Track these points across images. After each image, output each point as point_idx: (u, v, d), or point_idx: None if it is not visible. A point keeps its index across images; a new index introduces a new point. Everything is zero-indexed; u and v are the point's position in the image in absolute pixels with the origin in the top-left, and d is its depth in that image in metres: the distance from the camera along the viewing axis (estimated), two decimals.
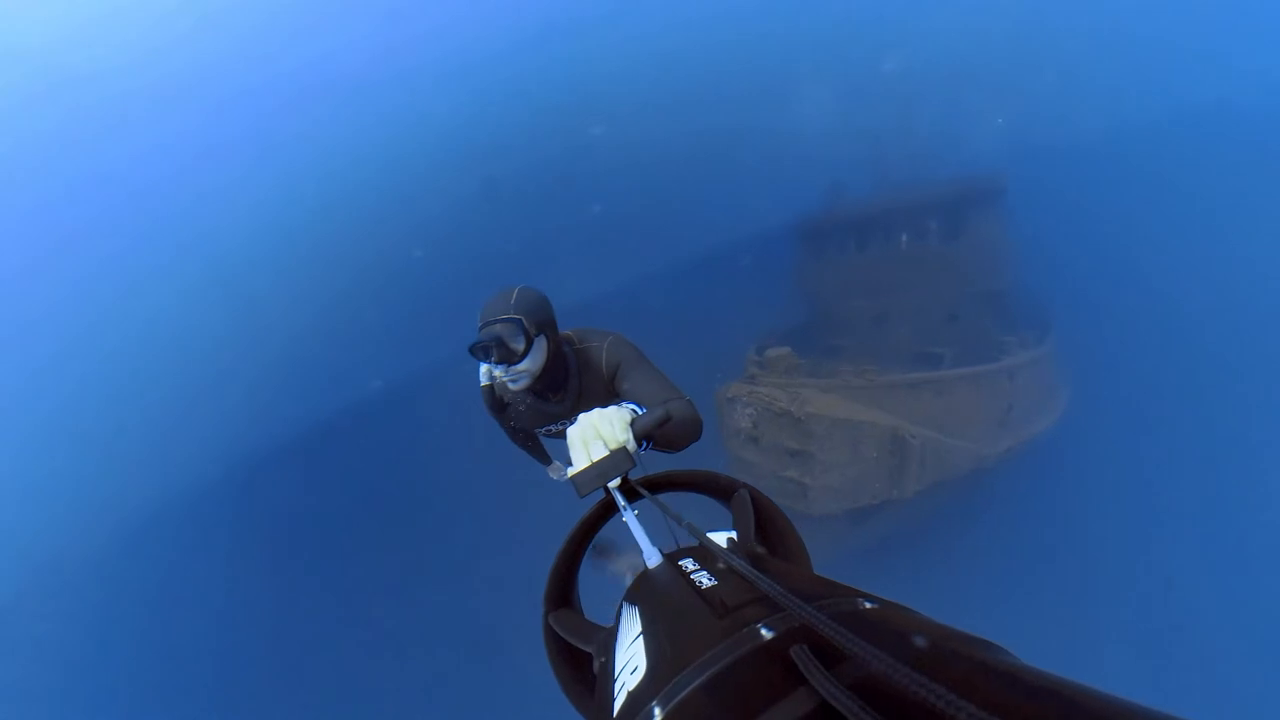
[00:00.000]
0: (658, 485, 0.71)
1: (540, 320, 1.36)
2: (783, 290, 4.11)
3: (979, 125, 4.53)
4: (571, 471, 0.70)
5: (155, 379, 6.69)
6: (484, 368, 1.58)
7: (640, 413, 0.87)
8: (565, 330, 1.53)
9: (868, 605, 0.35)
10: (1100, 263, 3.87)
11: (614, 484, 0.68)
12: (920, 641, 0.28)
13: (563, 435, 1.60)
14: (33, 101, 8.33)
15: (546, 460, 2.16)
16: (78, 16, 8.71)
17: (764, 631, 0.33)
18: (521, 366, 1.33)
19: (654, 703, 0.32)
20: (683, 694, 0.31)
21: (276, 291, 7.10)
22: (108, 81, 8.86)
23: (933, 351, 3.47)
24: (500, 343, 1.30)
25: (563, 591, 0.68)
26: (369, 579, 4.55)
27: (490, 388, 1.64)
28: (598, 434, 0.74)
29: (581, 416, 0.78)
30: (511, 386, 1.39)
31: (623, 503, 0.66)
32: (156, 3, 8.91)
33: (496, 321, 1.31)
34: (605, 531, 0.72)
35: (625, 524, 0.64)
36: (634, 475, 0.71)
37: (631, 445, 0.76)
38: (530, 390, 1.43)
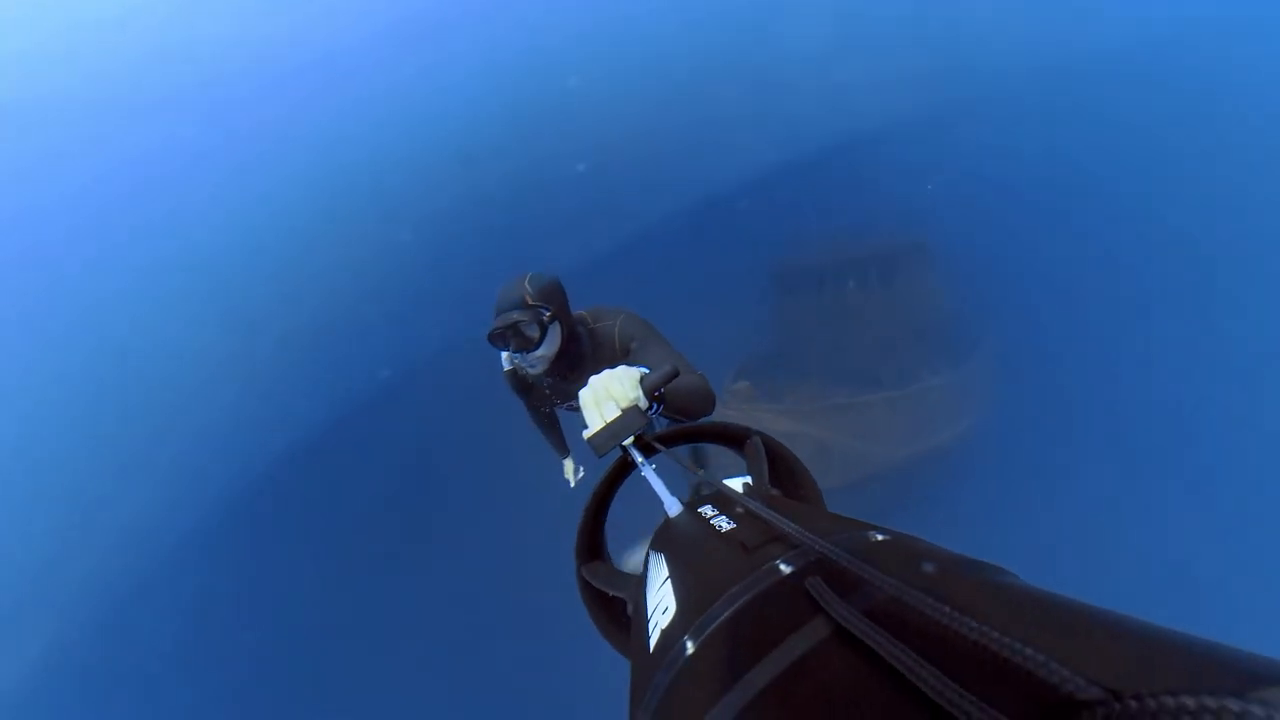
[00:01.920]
0: (671, 439, 0.73)
1: (553, 306, 1.39)
2: (759, 317, 4.46)
3: (913, 189, 4.81)
4: (587, 433, 0.72)
5: (155, 377, 6.62)
6: (504, 354, 1.61)
7: (648, 372, 0.88)
8: (578, 310, 1.56)
9: (879, 537, 0.37)
10: (1015, 300, 4.18)
11: (629, 441, 0.70)
12: (928, 567, 0.30)
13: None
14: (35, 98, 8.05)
15: (564, 451, 2.20)
16: (74, 15, 8.35)
17: (782, 567, 0.35)
18: (538, 353, 1.37)
19: (685, 637, 0.34)
20: (711, 627, 0.33)
21: (269, 291, 6.98)
22: (106, 79, 8.52)
23: (872, 376, 4.30)
24: (516, 331, 1.34)
25: (591, 546, 0.72)
26: (390, 564, 4.67)
27: (513, 372, 1.69)
28: (609, 394, 0.75)
29: (592, 379, 0.79)
30: (530, 371, 1.43)
31: (639, 459, 0.68)
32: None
33: (510, 311, 1.34)
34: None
35: (645, 479, 0.66)
36: (649, 434, 0.73)
37: (643, 403, 0.78)
38: (549, 372, 1.47)
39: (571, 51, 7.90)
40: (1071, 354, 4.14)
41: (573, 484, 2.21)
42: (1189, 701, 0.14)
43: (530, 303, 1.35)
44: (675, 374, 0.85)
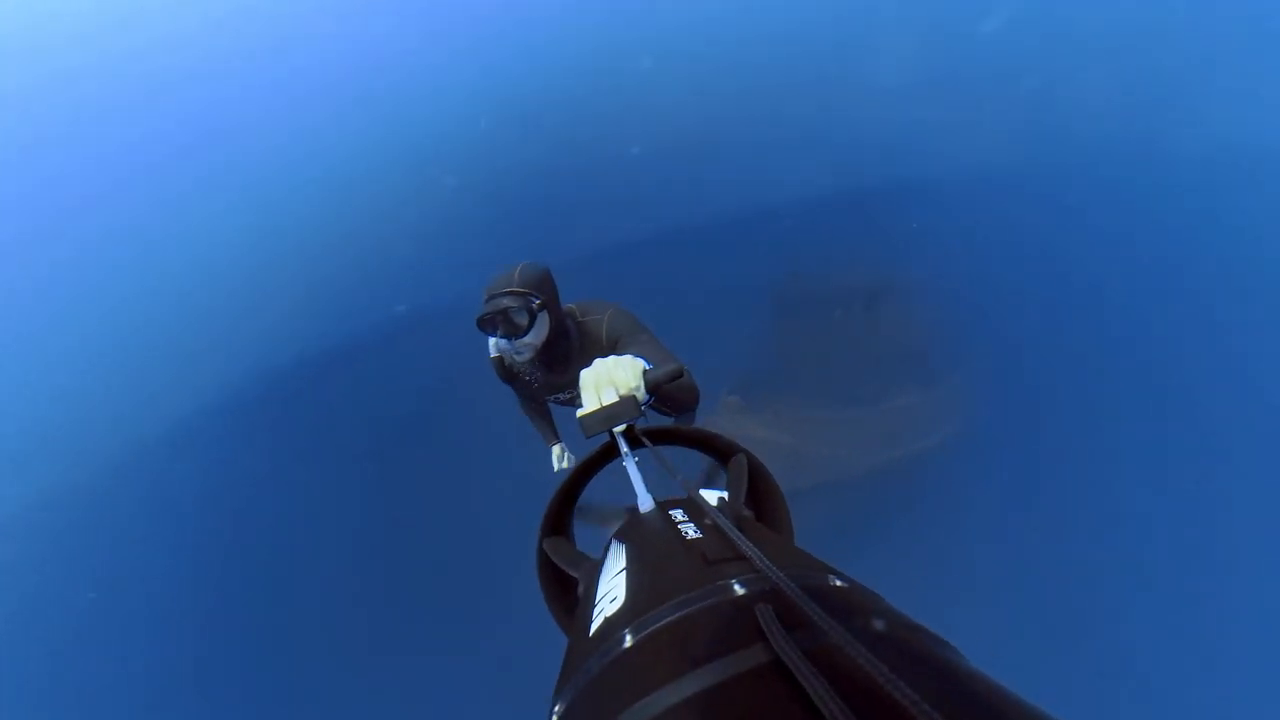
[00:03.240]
0: (660, 437, 0.73)
1: (543, 295, 1.40)
2: (759, 336, 4.77)
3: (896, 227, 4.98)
4: (580, 413, 0.73)
5: (187, 292, 6.76)
6: (492, 340, 1.62)
7: (652, 367, 0.88)
8: (568, 304, 1.58)
9: (838, 583, 0.37)
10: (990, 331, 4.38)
11: (619, 429, 0.70)
12: (878, 624, 0.30)
13: (571, 403, 1.66)
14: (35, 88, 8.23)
15: (553, 438, 2.18)
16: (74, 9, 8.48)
17: (736, 587, 0.35)
18: (525, 340, 1.39)
19: (626, 630, 0.35)
20: (652, 627, 0.34)
21: (313, 216, 7.08)
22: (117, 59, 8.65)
23: (852, 395, 4.69)
24: (505, 317, 1.36)
25: (557, 521, 0.72)
26: (384, 497, 4.75)
27: (500, 359, 1.71)
28: (611, 379, 0.75)
29: (597, 361, 0.80)
30: (517, 359, 1.44)
31: (625, 449, 0.68)
32: None
33: (500, 296, 1.36)
34: (588, 493, 0.76)
35: (624, 469, 0.66)
36: (639, 426, 0.73)
37: (641, 394, 0.78)
38: (536, 362, 1.49)
39: (640, 38, 7.82)
40: (1047, 382, 4.18)
41: (556, 470, 2.16)
42: None
43: (520, 290, 1.37)
44: (679, 374, 0.86)
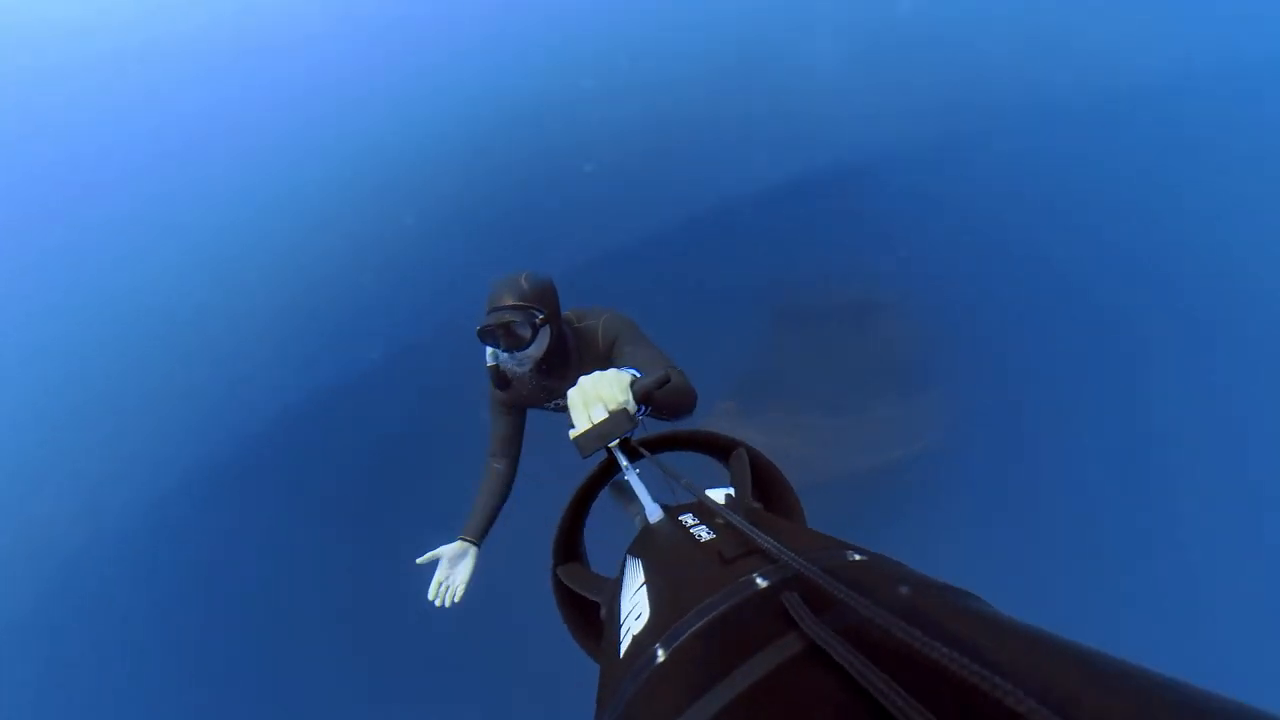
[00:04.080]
0: (658, 445, 0.73)
1: (547, 308, 1.38)
2: (755, 346, 4.93)
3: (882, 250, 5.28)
4: (573, 434, 0.72)
5: (150, 353, 6.49)
6: (490, 349, 1.61)
7: (639, 376, 0.88)
8: (566, 311, 1.55)
9: (857, 558, 0.37)
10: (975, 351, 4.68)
11: (615, 444, 0.70)
12: (903, 590, 0.30)
13: (565, 409, 1.61)
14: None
15: (473, 533, 1.56)
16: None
17: (759, 581, 0.35)
18: (526, 353, 1.37)
19: (656, 645, 0.34)
20: (682, 637, 0.33)
21: (270, 266, 6.87)
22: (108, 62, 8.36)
23: (844, 402, 4.89)
24: (508, 330, 1.33)
25: (568, 547, 0.71)
26: (372, 546, 4.65)
27: (496, 367, 1.68)
28: (598, 396, 0.75)
29: (581, 379, 0.79)
30: (516, 370, 1.42)
31: (624, 462, 0.67)
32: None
33: (504, 309, 1.34)
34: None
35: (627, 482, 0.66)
36: (635, 436, 0.73)
37: (631, 406, 0.77)
38: (534, 370, 1.47)
39: (588, 53, 7.85)
40: (1026, 394, 4.36)
41: (432, 595, 1.44)
42: None
43: (525, 303, 1.35)
44: (667, 380, 0.85)
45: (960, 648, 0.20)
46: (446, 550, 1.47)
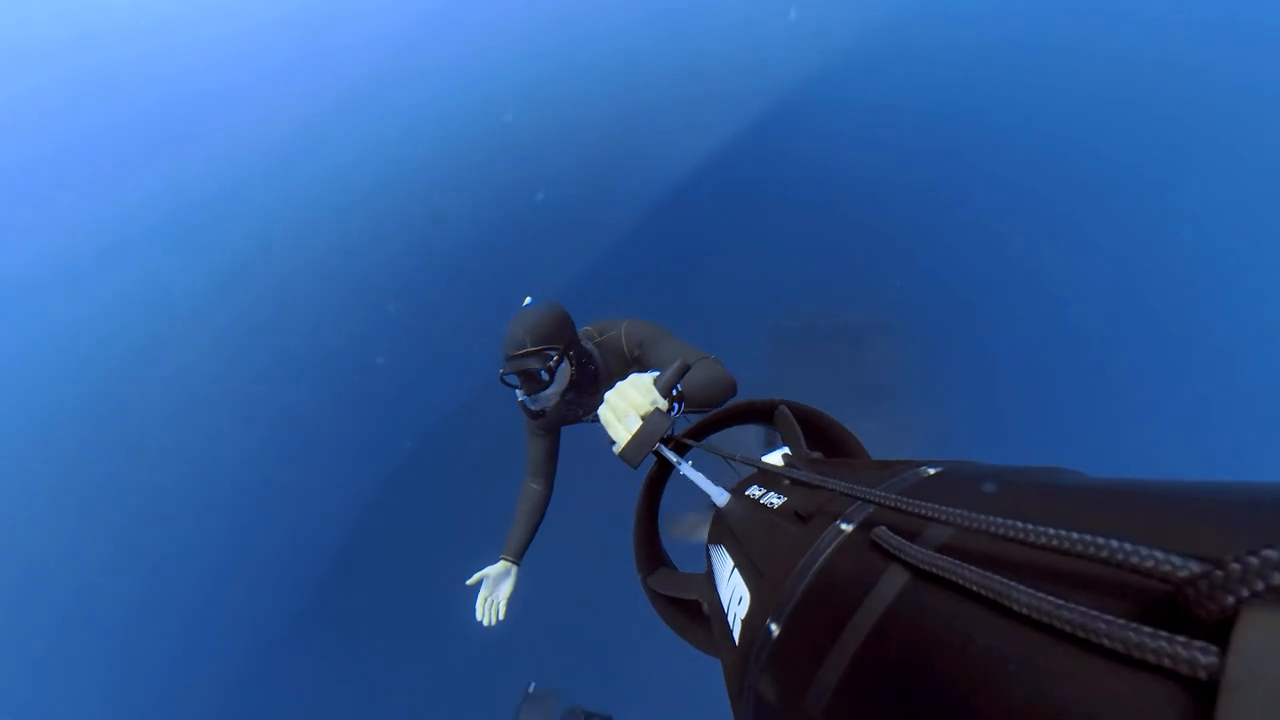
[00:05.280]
0: (701, 431, 0.72)
1: (560, 344, 1.37)
2: (764, 362, 5.11)
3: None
4: (616, 449, 0.72)
5: (169, 371, 6.22)
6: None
7: (659, 374, 0.88)
8: (584, 327, 1.55)
9: (931, 471, 0.36)
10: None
11: (659, 445, 0.70)
12: (989, 487, 0.29)
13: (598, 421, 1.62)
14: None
15: (512, 554, 1.63)
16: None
17: (844, 526, 0.34)
18: (548, 393, 1.37)
19: (768, 621, 0.34)
20: (790, 605, 0.33)
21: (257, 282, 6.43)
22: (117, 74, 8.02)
23: (840, 415, 5.08)
24: (525, 375, 1.34)
25: (649, 555, 0.71)
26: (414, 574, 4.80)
27: (524, 403, 1.70)
28: (627, 405, 0.75)
29: (606, 395, 0.79)
30: (545, 405, 1.43)
31: (674, 459, 0.67)
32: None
33: (518, 356, 1.34)
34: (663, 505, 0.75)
35: (685, 477, 0.65)
36: (676, 432, 0.72)
37: (662, 404, 0.77)
38: (565, 393, 1.47)
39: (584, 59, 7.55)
40: (1022, 418, 4.55)
41: (480, 614, 1.52)
42: None
43: (538, 346, 1.35)
44: (686, 369, 0.85)
45: (1066, 525, 0.19)
46: (491, 571, 1.54)
